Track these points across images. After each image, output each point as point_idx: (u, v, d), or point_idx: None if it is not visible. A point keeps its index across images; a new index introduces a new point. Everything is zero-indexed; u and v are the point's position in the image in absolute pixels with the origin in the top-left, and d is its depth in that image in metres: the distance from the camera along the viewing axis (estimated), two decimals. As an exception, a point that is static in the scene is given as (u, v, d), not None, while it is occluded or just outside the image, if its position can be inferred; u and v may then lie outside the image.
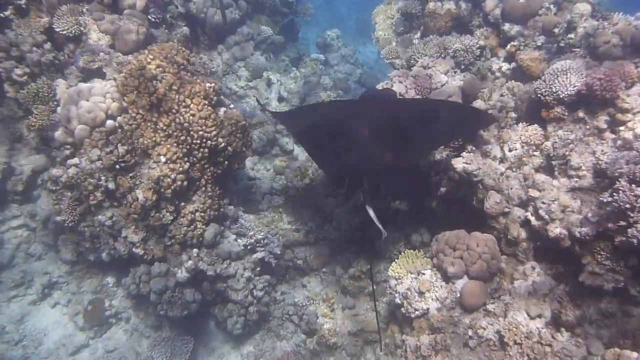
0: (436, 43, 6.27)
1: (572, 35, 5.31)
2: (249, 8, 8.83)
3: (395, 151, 4.29)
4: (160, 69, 5.13)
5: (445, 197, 5.16)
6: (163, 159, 4.99)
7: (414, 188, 5.51)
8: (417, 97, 5.65)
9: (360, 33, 26.47)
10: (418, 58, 6.28)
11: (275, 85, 8.36)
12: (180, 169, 5.04)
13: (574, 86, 4.33)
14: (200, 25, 8.05)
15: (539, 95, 4.54)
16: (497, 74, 5.99)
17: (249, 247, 5.82)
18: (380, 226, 3.99)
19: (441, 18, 6.61)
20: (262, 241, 5.86)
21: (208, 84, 5.41)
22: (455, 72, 6.00)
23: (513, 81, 5.40)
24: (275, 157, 7.60)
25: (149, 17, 6.42)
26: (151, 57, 5.14)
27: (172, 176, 5.00)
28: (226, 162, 5.56)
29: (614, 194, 3.50)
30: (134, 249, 5.16)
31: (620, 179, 3.52)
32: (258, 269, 5.95)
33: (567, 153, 4.10)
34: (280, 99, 8.34)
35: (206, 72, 6.87)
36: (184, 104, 5.08)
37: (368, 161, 4.29)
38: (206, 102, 5.26)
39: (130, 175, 5.01)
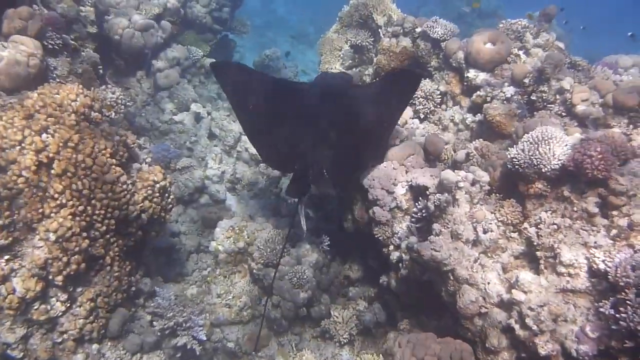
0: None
1: (545, 89, 4.86)
2: (175, 29, 7.93)
3: (344, 132, 4.59)
4: (53, 119, 4.18)
5: (407, 279, 4.52)
6: (52, 236, 4.02)
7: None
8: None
9: (299, 40, 26.13)
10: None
11: (205, 120, 7.48)
12: (77, 248, 4.10)
13: (558, 159, 3.82)
14: (115, 48, 7.07)
15: (516, 166, 4.00)
16: (461, 125, 5.49)
17: (167, 332, 4.92)
18: (304, 226, 4.42)
19: (396, 57, 6.05)
20: (183, 324, 4.98)
21: (117, 137, 4.52)
22: (413, 122, 5.44)
23: (481, 140, 4.88)
24: (204, 207, 6.72)
25: (45, 42, 5.41)
26: (40, 103, 4.18)
27: (65, 259, 4.04)
28: (140, 232, 4.66)
29: (621, 308, 2.96)
30: (9, 352, 4.13)
31: (626, 290, 2.99)
32: (178, 355, 5.07)
33: (554, 244, 3.56)
34: (211, 136, 7.48)
35: (118, 109, 5.97)
36: (83, 164, 4.15)
37: (317, 144, 4.50)
38: (114, 161, 4.36)
39: (6, 257, 4.00)
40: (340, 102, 4.84)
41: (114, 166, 4.35)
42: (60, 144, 4.12)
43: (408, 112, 5.53)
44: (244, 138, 7.06)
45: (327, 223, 6.10)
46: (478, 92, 5.28)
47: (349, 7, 7.06)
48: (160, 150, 6.84)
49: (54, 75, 5.49)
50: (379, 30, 6.70)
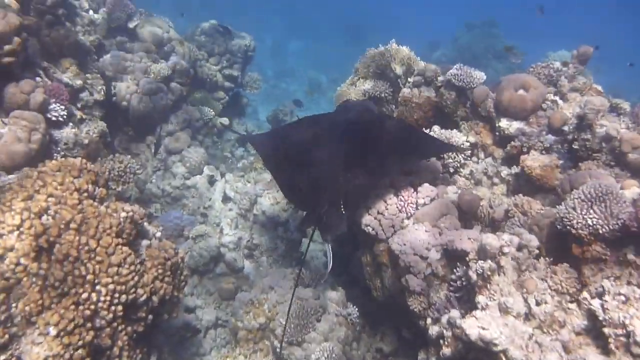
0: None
1: (588, 136, 4.50)
2: (185, 90, 7.82)
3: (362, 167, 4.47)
4: (54, 199, 3.93)
5: (451, 358, 4.06)
6: (53, 330, 3.69)
7: None
8: (399, 214, 4.69)
9: (312, 89, 26.30)
10: (395, 159, 5.33)
11: (218, 183, 7.24)
12: (80, 342, 3.74)
13: (618, 219, 3.42)
14: (123, 114, 6.94)
15: (567, 226, 3.60)
16: (495, 179, 5.13)
17: None
18: (330, 260, 4.17)
19: (419, 107, 5.79)
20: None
21: (124, 213, 4.24)
22: (443, 177, 5.09)
23: (521, 196, 4.50)
24: (220, 277, 6.37)
25: (49, 115, 5.26)
26: (40, 182, 3.94)
27: (67, 355, 3.68)
28: (150, 317, 4.30)
29: None
30: None
31: None
32: None
33: (625, 320, 3.11)
34: (226, 200, 7.20)
35: (126, 179, 5.75)
36: (87, 247, 3.85)
37: (332, 180, 4.40)
38: (120, 240, 4.06)
39: (2, 358, 3.65)
40: (359, 134, 4.83)
41: (120, 246, 4.04)
42: (62, 226, 3.85)
43: (437, 165, 5.19)
44: (260, 200, 6.76)
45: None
46: (512, 142, 4.95)
47: (365, 57, 6.86)
48: (172, 218, 6.58)
49: (58, 149, 5.32)
50: (398, 80, 6.47)
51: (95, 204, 4.18)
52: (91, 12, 7.89)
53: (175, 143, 7.21)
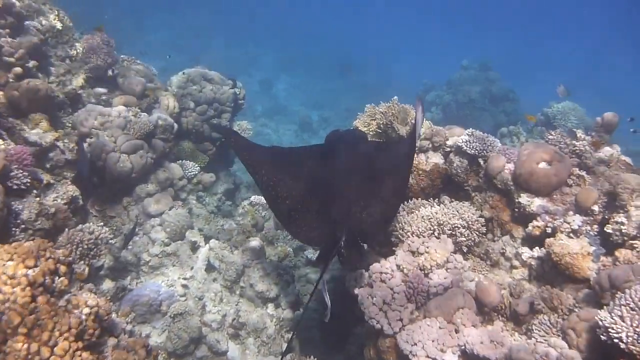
0: (425, 216, 4.89)
1: (622, 219, 4.04)
2: (168, 146, 7.33)
3: (375, 195, 4.28)
4: (1, 296, 3.36)
5: None
6: None
7: None
8: (408, 304, 4.17)
9: (302, 128, 26.02)
10: (402, 236, 4.85)
11: (202, 250, 6.67)
12: None
13: (678, 334, 2.91)
14: (98, 174, 6.41)
15: (614, 339, 3.09)
16: (515, 261, 4.65)
17: None
18: (327, 301, 3.88)
19: (426, 176, 5.34)
20: None
21: (87, 309, 3.68)
22: (456, 259, 4.59)
23: (549, 288, 4.01)
24: (201, 361, 5.74)
25: (10, 183, 4.73)
26: (-15, 278, 3.38)
27: None
28: None
29: None
30: None
31: None
32: None
33: None
34: (210, 268, 6.62)
35: (97, 252, 5.20)
36: (37, 357, 3.27)
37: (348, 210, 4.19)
38: (80, 344, 3.49)
39: None
40: (361, 159, 4.68)
41: (79, 352, 3.47)
42: (9, 331, 3.27)
43: (448, 244, 4.70)
44: (248, 271, 6.20)
45: None
46: (535, 222, 4.48)
47: (364, 115, 6.44)
48: (148, 292, 5.98)
49: (18, 222, 4.76)
50: (401, 141, 6.04)
51: (53, 300, 3.60)
52: (68, 60, 7.46)
53: (155, 205, 6.67)
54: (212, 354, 5.78)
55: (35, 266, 3.67)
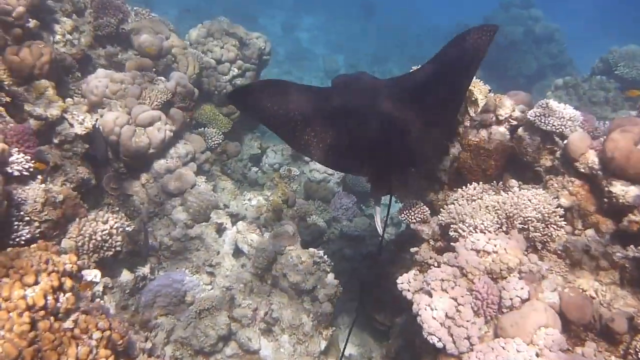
0: (490, 206, 4.24)
1: None
2: (189, 115, 6.72)
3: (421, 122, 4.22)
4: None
5: None
6: None
7: None
8: (476, 319, 3.60)
9: (329, 76, 25.10)
10: (462, 230, 4.23)
11: (229, 233, 6.14)
12: None
13: None
14: (113, 148, 5.86)
15: None
16: (602, 262, 4.02)
17: None
18: (379, 227, 4.15)
19: (488, 155, 4.67)
20: None
21: (98, 333, 3.20)
22: (531, 259, 3.96)
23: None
24: None
25: (10, 170, 4.21)
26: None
27: None
28: None
29: None
30: None
31: None
32: None
33: None
34: (238, 253, 6.12)
35: (112, 245, 4.73)
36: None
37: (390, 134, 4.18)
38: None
39: None
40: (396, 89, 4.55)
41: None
42: (5, 369, 2.79)
43: (520, 242, 4.05)
44: (280, 259, 5.67)
45: None
46: (632, 216, 3.79)
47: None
48: (170, 281, 5.53)
49: (21, 214, 4.26)
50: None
51: (57, 324, 3.10)
52: (74, 16, 6.80)
53: (175, 182, 6.11)
54: (243, 352, 5.34)
55: (36, 283, 3.16)
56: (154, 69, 6.84)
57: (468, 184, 4.75)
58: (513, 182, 4.63)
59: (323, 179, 9.20)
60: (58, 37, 6.37)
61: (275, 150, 9.60)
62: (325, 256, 5.81)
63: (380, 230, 4.26)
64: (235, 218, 6.67)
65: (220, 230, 6.18)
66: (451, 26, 24.92)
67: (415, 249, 4.73)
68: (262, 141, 9.64)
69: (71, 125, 5.60)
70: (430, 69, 4.46)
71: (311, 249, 5.80)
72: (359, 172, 4.89)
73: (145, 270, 5.60)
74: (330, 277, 5.62)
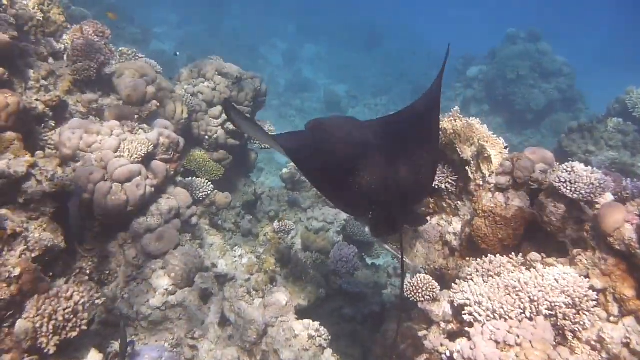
0: (510, 286, 3.71)
1: None
2: (173, 167, 6.22)
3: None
4: None
5: None
6: None
7: None
8: None
9: (329, 108, 24.86)
10: (478, 314, 3.70)
11: (215, 301, 5.59)
12: None
13: None
14: (86, 208, 5.36)
15: None
16: (644, 358, 3.40)
17: None
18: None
19: (506, 223, 4.17)
20: None
21: None
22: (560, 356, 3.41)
23: None
24: None
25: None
26: None
27: None
28: None
29: None
30: None
31: None
32: None
33: None
34: (224, 323, 5.56)
35: (76, 324, 4.19)
36: None
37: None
38: None
39: None
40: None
41: None
42: None
43: (547, 333, 3.51)
44: (271, 332, 5.11)
45: None
46: (680, 310, 3.25)
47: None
48: (147, 358, 4.95)
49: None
50: (467, 168, 4.83)
51: None
52: (51, 59, 6.39)
53: (156, 243, 5.59)
54: None
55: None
56: (137, 116, 6.38)
57: (483, 256, 4.24)
58: (535, 256, 4.10)
59: (322, 228, 8.71)
60: (32, 82, 5.94)
61: (271, 196, 9.12)
62: (322, 328, 5.25)
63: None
64: (223, 279, 6.12)
65: (205, 296, 5.63)
66: (456, 57, 24.68)
67: (424, 332, 4.20)
68: (257, 187, 9.17)
69: (39, 182, 5.10)
70: (404, 112, 4.30)
71: (306, 321, 5.24)
72: (367, 211, 4.57)
73: (114, 345, 5.03)
74: (327, 354, 5.06)
